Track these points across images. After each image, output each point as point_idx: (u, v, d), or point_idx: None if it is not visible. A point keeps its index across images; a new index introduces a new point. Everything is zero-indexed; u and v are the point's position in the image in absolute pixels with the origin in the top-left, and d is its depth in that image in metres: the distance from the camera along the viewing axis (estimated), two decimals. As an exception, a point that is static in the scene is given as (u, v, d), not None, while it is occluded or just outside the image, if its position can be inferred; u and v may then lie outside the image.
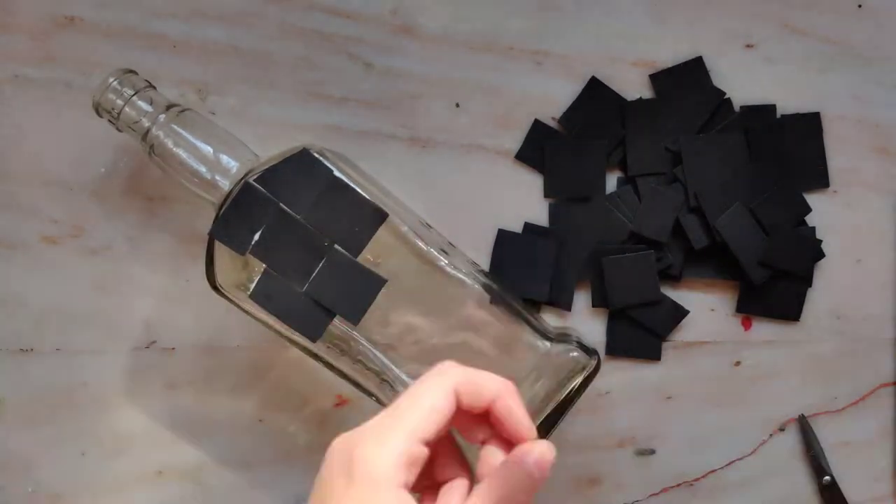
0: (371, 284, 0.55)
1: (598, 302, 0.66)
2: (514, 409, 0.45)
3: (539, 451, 0.44)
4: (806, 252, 0.66)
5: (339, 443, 0.43)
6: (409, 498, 0.42)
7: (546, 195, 0.67)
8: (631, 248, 0.65)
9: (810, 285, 0.66)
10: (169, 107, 0.58)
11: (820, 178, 0.67)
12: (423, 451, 0.43)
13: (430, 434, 0.43)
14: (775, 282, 0.65)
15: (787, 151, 0.66)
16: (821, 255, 0.66)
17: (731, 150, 0.65)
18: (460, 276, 0.58)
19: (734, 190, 0.65)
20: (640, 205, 0.65)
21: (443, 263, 0.58)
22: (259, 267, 0.55)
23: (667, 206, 0.65)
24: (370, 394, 0.58)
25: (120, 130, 0.59)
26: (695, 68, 0.67)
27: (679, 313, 0.66)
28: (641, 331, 0.66)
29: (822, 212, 0.66)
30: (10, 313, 0.65)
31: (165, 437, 0.65)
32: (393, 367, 0.57)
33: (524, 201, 0.67)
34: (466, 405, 0.44)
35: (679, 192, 0.65)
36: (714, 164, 0.65)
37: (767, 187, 0.65)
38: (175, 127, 0.57)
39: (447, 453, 0.46)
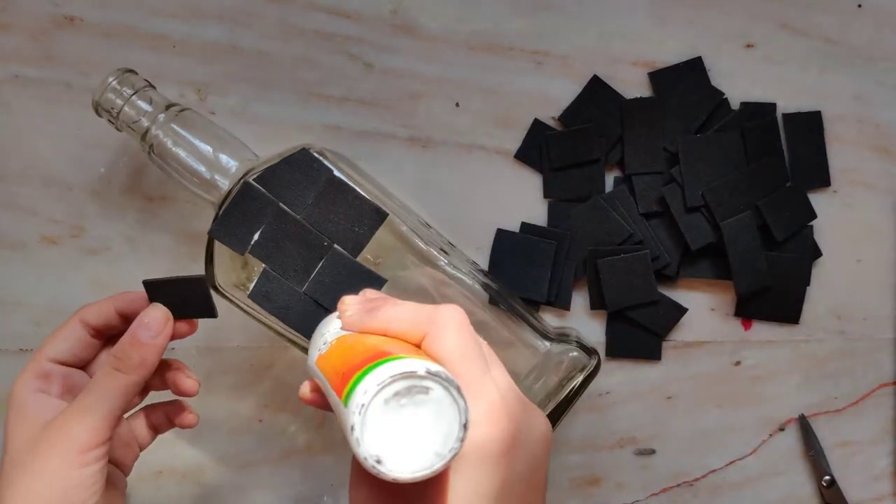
0: (371, 284, 0.55)
1: (596, 304, 0.66)
2: (129, 300, 0.54)
3: (146, 312, 0.52)
4: (804, 251, 0.66)
5: None
6: (46, 397, 0.51)
7: (546, 195, 0.67)
8: (626, 249, 0.65)
9: (808, 284, 0.66)
10: (168, 106, 0.58)
11: (821, 178, 0.67)
12: (54, 367, 0.52)
13: (53, 353, 0.53)
14: (774, 285, 0.65)
15: (787, 150, 0.66)
16: (818, 253, 0.66)
17: (729, 150, 0.65)
18: (460, 275, 0.58)
19: (736, 189, 0.65)
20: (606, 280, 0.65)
21: (443, 263, 0.58)
22: (258, 267, 0.55)
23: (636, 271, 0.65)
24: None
25: (119, 130, 0.59)
26: (694, 68, 0.66)
27: (678, 312, 0.66)
28: (641, 331, 0.66)
29: (822, 212, 0.66)
30: (10, 313, 0.65)
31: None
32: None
33: (524, 201, 0.67)
34: (102, 323, 0.54)
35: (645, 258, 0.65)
36: (712, 164, 0.65)
37: (768, 186, 0.65)
38: (174, 126, 0.57)
39: None
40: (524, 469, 0.42)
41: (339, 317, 0.46)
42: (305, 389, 0.46)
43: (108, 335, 0.55)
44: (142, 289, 0.53)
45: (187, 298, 0.52)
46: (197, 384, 0.55)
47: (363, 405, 0.35)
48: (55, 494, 0.48)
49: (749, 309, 0.66)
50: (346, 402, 0.36)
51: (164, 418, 0.57)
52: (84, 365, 0.55)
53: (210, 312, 0.53)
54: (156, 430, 0.57)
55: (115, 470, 0.54)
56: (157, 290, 0.53)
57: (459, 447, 0.37)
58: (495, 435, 0.41)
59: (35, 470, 0.49)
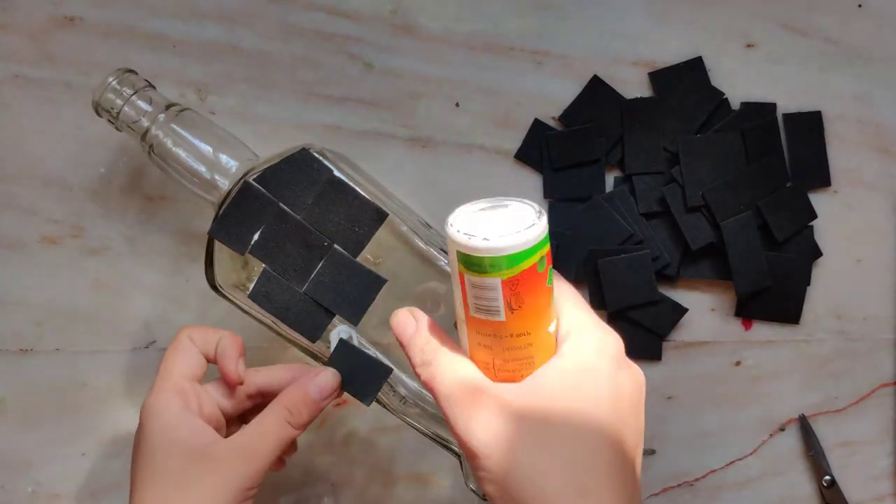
0: (371, 284, 0.55)
1: (597, 304, 0.66)
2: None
3: (322, 376, 0.54)
4: (804, 251, 0.66)
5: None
6: (192, 416, 0.52)
7: (546, 195, 0.67)
8: (626, 249, 0.65)
9: (808, 284, 0.66)
10: (168, 106, 0.58)
11: (821, 178, 0.67)
12: (191, 384, 0.54)
13: (194, 367, 0.54)
14: (774, 285, 0.65)
15: (787, 150, 0.66)
16: (818, 253, 0.66)
17: (729, 150, 0.65)
18: (460, 275, 0.58)
19: (736, 189, 0.65)
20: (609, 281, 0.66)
21: (443, 263, 0.58)
22: (258, 267, 0.55)
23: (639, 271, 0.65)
24: (370, 394, 0.58)
25: (119, 130, 0.59)
26: (694, 68, 0.66)
27: (678, 312, 0.66)
28: (641, 331, 0.66)
29: (822, 212, 0.66)
30: (10, 313, 0.65)
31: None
32: (393, 367, 0.57)
33: (524, 201, 0.67)
34: (201, 349, 0.56)
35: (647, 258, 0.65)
36: (712, 164, 0.65)
37: (768, 186, 0.65)
38: (174, 126, 0.57)
39: None
40: (632, 395, 0.48)
41: None
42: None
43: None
44: None
45: (360, 373, 0.55)
46: None
47: (456, 212, 0.45)
48: None
49: (749, 309, 0.66)
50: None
51: None
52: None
53: (366, 398, 0.56)
54: None
55: None
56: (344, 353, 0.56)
57: (534, 224, 0.43)
58: (620, 345, 0.48)
59: (193, 497, 0.50)
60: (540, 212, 0.44)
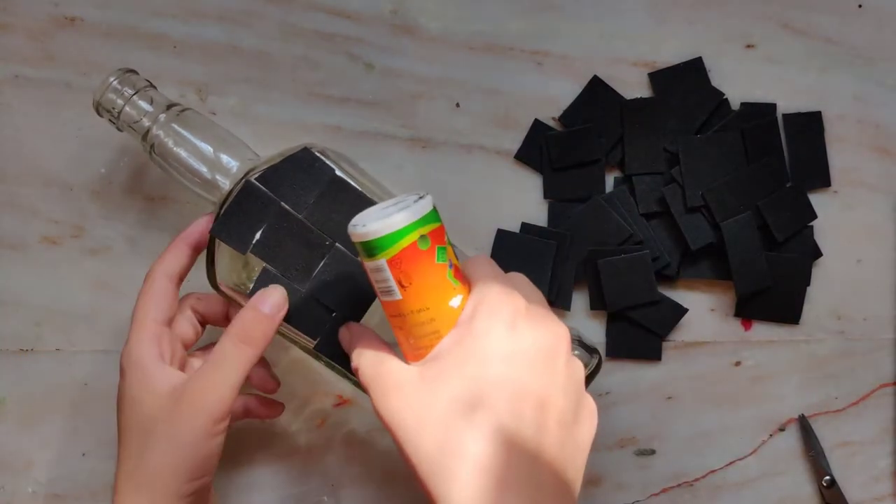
0: (372, 283, 0.55)
1: (596, 304, 0.66)
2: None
3: (269, 290, 0.54)
4: (804, 251, 0.66)
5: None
6: (165, 366, 0.54)
7: (546, 195, 0.67)
8: (626, 250, 0.65)
9: (808, 284, 0.66)
10: (169, 106, 0.58)
11: (821, 178, 0.67)
12: (164, 329, 0.55)
13: (158, 314, 0.55)
14: (774, 285, 0.65)
15: (787, 150, 0.66)
16: (818, 253, 0.66)
17: (730, 150, 0.65)
18: (461, 275, 0.58)
19: (736, 189, 0.65)
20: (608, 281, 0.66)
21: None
22: (259, 266, 0.55)
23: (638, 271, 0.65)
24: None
25: (120, 130, 0.59)
26: (694, 68, 0.67)
27: (678, 312, 0.66)
28: (641, 331, 0.66)
29: (822, 212, 0.66)
30: (10, 313, 0.65)
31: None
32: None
33: (524, 201, 0.67)
34: (181, 273, 0.57)
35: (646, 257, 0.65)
36: (712, 164, 0.65)
37: (768, 187, 0.65)
38: (175, 126, 0.57)
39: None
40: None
41: None
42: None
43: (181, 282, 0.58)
44: None
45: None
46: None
47: (363, 211, 0.49)
48: (191, 461, 0.51)
49: (749, 309, 0.67)
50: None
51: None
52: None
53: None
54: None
55: None
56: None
57: (407, 207, 0.47)
58: (518, 305, 0.48)
59: (171, 437, 0.51)
60: (420, 197, 0.48)
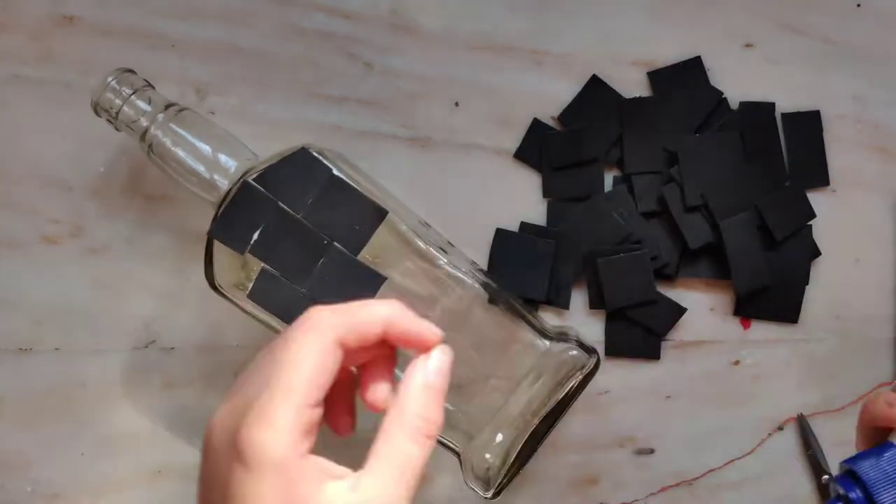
0: (371, 282, 0.55)
1: (595, 303, 0.66)
2: (409, 329, 0.43)
3: (433, 362, 0.43)
4: (803, 250, 0.66)
5: (218, 431, 0.42)
6: (315, 461, 0.41)
7: (545, 195, 0.67)
8: (625, 249, 0.65)
9: (807, 283, 0.66)
10: (168, 106, 0.58)
11: (820, 177, 0.67)
12: (317, 413, 0.41)
13: (318, 397, 0.41)
14: (773, 285, 0.65)
15: (785, 150, 0.66)
16: (817, 253, 0.66)
17: (729, 149, 0.65)
18: (459, 275, 0.58)
19: (735, 188, 0.65)
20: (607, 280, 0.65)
21: (442, 262, 0.58)
22: (258, 266, 0.55)
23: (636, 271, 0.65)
24: (369, 393, 0.58)
25: (119, 130, 0.59)
26: (693, 68, 0.67)
27: (677, 312, 0.66)
28: (640, 330, 0.66)
29: (822, 212, 0.66)
30: (10, 313, 0.65)
31: (165, 437, 0.65)
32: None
33: (523, 201, 0.67)
34: (356, 347, 0.42)
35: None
36: (712, 164, 0.65)
37: (767, 186, 0.65)
38: (174, 126, 0.57)
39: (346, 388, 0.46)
40: None
41: None
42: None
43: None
44: None
45: None
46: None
47: None
48: None
49: (748, 309, 0.67)
50: None
51: None
52: None
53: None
54: None
55: None
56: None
57: None
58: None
59: None
60: None
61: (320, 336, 0.41)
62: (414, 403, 0.42)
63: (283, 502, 0.39)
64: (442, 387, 0.43)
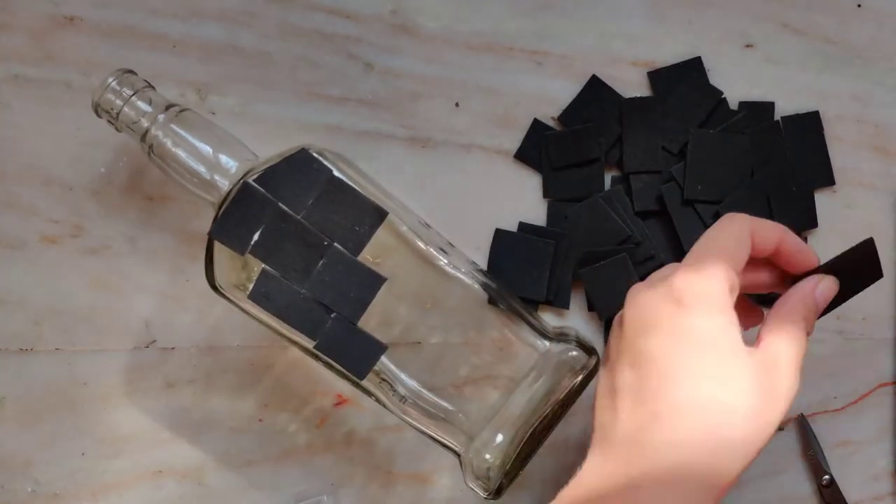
0: (371, 283, 0.55)
1: (592, 307, 0.66)
2: (799, 244, 0.51)
3: (823, 283, 0.51)
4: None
5: (646, 285, 0.49)
6: (737, 321, 0.47)
7: (545, 195, 0.67)
8: (622, 250, 0.65)
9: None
10: (168, 107, 0.58)
11: (824, 177, 0.67)
12: (738, 280, 0.48)
13: (742, 264, 0.48)
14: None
15: (790, 152, 0.66)
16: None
17: (737, 152, 0.65)
18: (459, 275, 0.58)
19: (740, 188, 0.65)
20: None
21: (442, 263, 0.58)
22: (258, 266, 0.55)
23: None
24: (369, 393, 0.58)
25: (119, 130, 0.59)
26: (693, 68, 0.67)
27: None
28: (641, 330, 0.66)
29: (823, 212, 0.66)
30: (10, 313, 0.66)
31: (165, 437, 0.65)
32: (392, 366, 0.57)
33: (523, 201, 0.67)
34: (758, 246, 0.50)
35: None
36: (718, 162, 0.65)
37: (773, 187, 0.65)
38: (174, 127, 0.57)
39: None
40: None
41: None
42: None
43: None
44: None
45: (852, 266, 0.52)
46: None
47: None
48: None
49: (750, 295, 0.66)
50: None
51: None
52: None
53: (875, 273, 0.53)
54: None
55: None
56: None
57: None
58: None
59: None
60: None
61: (739, 222, 0.49)
62: (800, 302, 0.50)
63: (728, 338, 0.46)
64: (820, 308, 0.51)
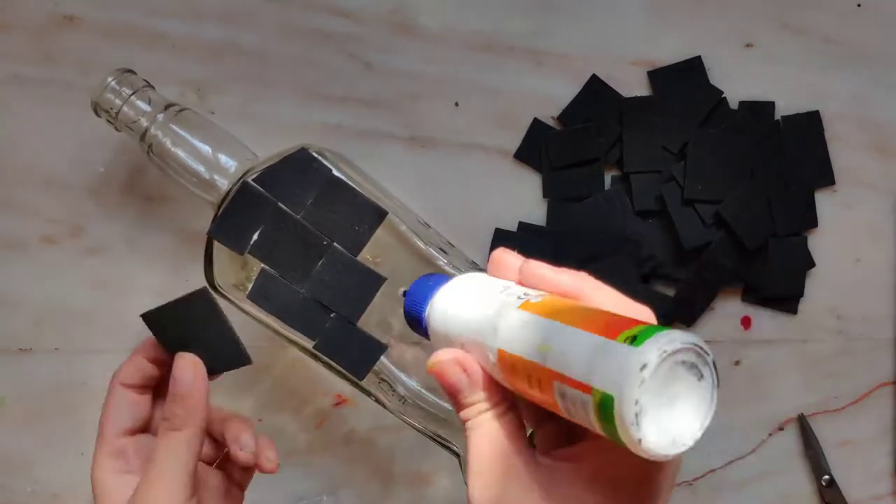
0: (370, 283, 0.55)
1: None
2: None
3: (176, 366, 0.51)
4: (797, 261, 0.66)
5: None
6: (126, 477, 0.50)
7: (545, 195, 0.67)
8: (621, 250, 0.65)
9: (811, 265, 0.67)
10: (167, 106, 0.58)
11: (824, 177, 0.67)
12: (128, 441, 0.51)
13: (120, 425, 0.51)
14: (775, 268, 0.66)
15: (790, 152, 0.66)
16: (811, 264, 0.66)
17: (737, 152, 0.65)
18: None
19: (750, 202, 0.65)
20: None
21: (442, 262, 0.58)
22: (258, 266, 0.55)
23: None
24: (369, 393, 0.58)
25: (118, 130, 0.59)
26: (693, 67, 0.67)
27: (672, 305, 0.66)
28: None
29: (823, 211, 0.66)
30: (10, 313, 0.66)
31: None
32: (391, 366, 0.57)
33: (523, 201, 0.67)
34: (136, 381, 0.52)
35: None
36: (718, 162, 0.65)
37: (771, 188, 0.65)
38: (173, 126, 0.57)
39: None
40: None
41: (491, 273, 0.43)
42: (451, 357, 0.41)
43: (155, 386, 0.54)
44: None
45: (192, 319, 0.51)
46: (252, 457, 0.54)
47: (665, 352, 0.33)
48: None
49: (750, 296, 0.67)
50: (634, 343, 0.33)
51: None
52: (149, 424, 0.54)
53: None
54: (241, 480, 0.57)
55: None
56: (158, 320, 0.52)
57: (691, 446, 0.35)
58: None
59: None
60: (711, 413, 0.36)
61: (109, 386, 0.53)
62: (164, 410, 0.51)
63: None
64: (181, 391, 0.50)
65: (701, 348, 0.34)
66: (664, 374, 0.33)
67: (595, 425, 0.34)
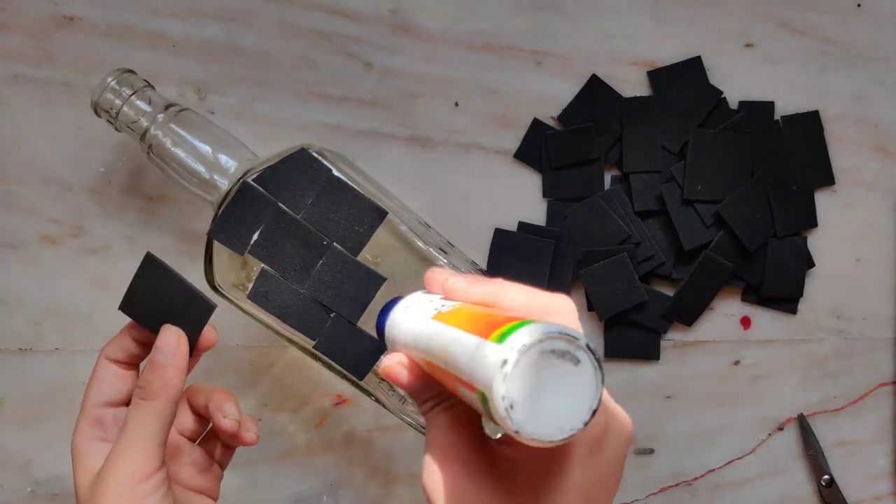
0: (371, 283, 0.55)
1: (591, 307, 0.66)
2: None
3: (160, 336, 0.52)
4: (797, 261, 0.66)
5: None
6: (102, 445, 0.51)
7: (545, 194, 0.67)
8: (619, 250, 0.65)
9: (810, 265, 0.67)
10: (167, 106, 0.58)
11: (824, 177, 0.67)
12: (106, 411, 0.52)
13: (100, 396, 0.52)
14: (774, 269, 0.66)
15: (790, 152, 0.66)
16: (811, 264, 0.66)
17: (737, 152, 0.65)
18: (459, 275, 0.58)
19: (749, 201, 0.65)
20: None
21: (442, 263, 0.58)
22: (258, 266, 0.55)
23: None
24: (369, 393, 0.58)
25: (118, 130, 0.59)
26: (693, 67, 0.67)
27: (673, 305, 0.66)
28: (639, 331, 0.66)
29: (823, 211, 0.66)
30: (10, 313, 0.66)
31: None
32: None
33: (523, 200, 0.67)
34: (121, 356, 0.53)
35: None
36: (718, 162, 0.65)
37: (771, 188, 0.65)
38: (173, 126, 0.57)
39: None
40: (606, 469, 0.43)
41: (427, 290, 0.47)
42: (396, 361, 0.44)
43: (138, 363, 0.54)
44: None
45: (154, 289, 0.52)
46: (236, 423, 0.54)
47: (525, 345, 0.34)
48: None
49: (750, 296, 0.67)
50: (500, 339, 0.35)
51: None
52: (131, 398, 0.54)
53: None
54: (225, 452, 0.58)
55: (201, 497, 0.55)
56: (131, 304, 0.52)
57: (582, 428, 0.35)
58: (592, 430, 0.41)
59: None
60: (598, 398, 0.35)
61: (97, 360, 0.53)
62: (139, 379, 0.52)
63: (78, 474, 0.52)
64: (161, 360, 0.51)
65: (568, 335, 0.34)
66: (529, 365, 0.34)
67: (491, 419, 0.36)
